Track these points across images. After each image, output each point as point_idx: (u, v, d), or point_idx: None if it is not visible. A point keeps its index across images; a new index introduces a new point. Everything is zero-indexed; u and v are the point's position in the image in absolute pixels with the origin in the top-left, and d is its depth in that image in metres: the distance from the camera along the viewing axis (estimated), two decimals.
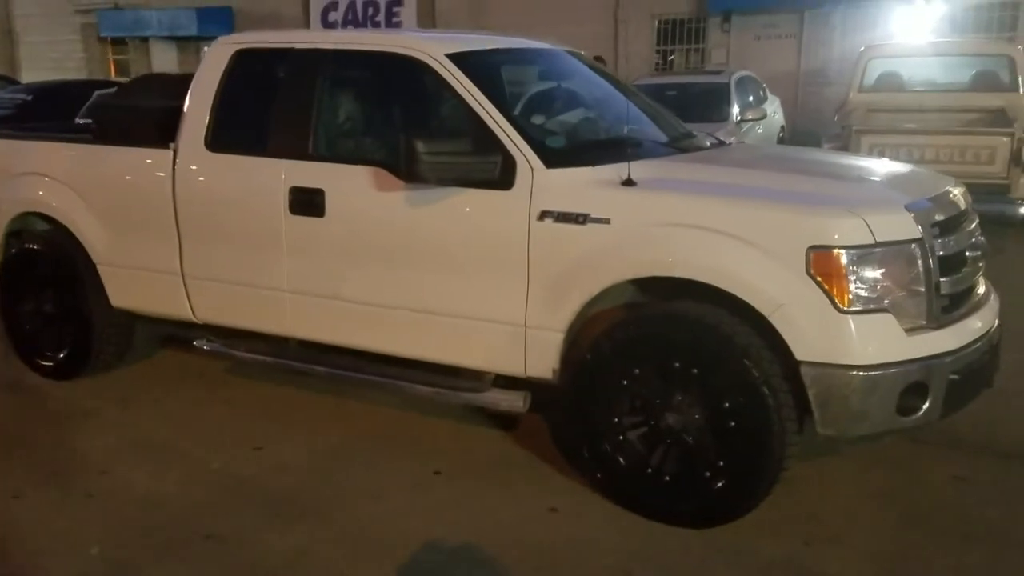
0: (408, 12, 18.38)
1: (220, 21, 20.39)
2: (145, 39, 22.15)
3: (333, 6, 19.08)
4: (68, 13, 23.58)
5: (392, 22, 18.30)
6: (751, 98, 10.60)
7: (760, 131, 10.12)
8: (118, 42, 23.16)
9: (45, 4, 24.29)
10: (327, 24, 18.97)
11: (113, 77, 20.72)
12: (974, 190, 7.29)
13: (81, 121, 10.06)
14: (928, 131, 7.65)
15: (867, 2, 14.13)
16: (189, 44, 21.61)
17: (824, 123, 10.48)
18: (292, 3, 19.60)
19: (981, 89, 8.75)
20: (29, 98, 14.08)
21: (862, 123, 8.01)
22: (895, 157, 6.20)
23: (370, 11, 18.69)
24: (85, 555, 3.06)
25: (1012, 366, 3.71)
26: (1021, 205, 7.23)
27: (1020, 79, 8.71)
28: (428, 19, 18.13)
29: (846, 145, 7.59)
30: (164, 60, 21.84)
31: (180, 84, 5.27)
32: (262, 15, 19.68)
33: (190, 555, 3.06)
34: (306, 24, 19.13)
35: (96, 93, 12.50)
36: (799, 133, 11.91)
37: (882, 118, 8.40)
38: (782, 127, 12.04)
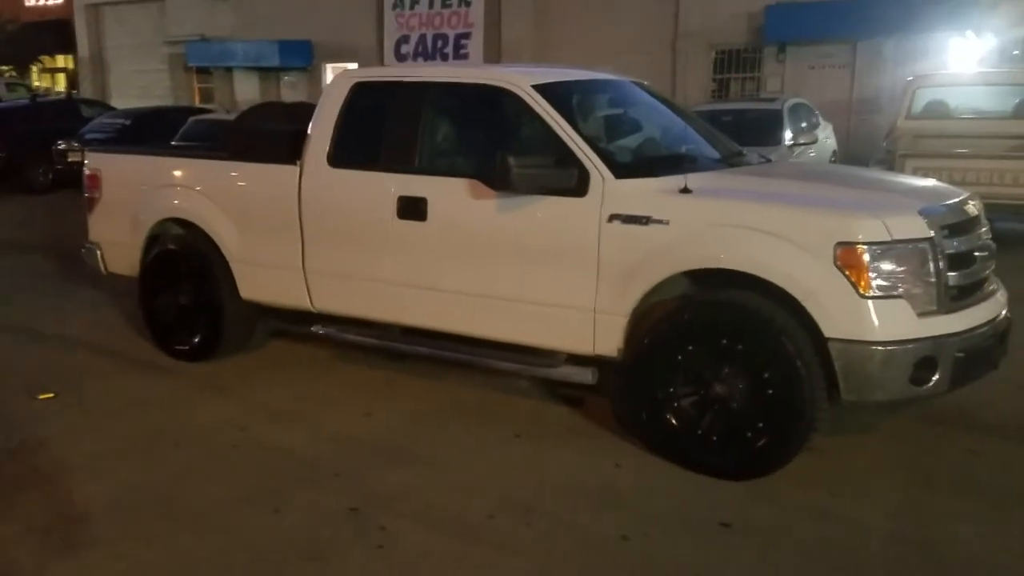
0: (475, 44, 19.33)
1: (300, 53, 21.66)
2: (229, 69, 23.56)
3: (405, 39, 20.17)
4: (157, 44, 25.23)
5: (460, 53, 19.27)
6: (804, 124, 11.10)
7: (812, 155, 10.60)
8: (203, 71, 24.68)
9: (136, 35, 26.03)
10: (400, 56, 20.06)
11: (198, 104, 22.07)
12: (1013, 211, 7.76)
13: (176, 143, 11.12)
14: (969, 155, 8.13)
15: (918, 34, 14.55)
16: (270, 74, 22.93)
17: (874, 149, 10.96)
18: (367, 36, 20.74)
19: None
20: (128, 122, 15.36)
21: (906, 148, 8.53)
22: (938, 180, 6.68)
23: (439, 43, 19.72)
24: (242, 489, 3.81)
25: None
26: None
27: None
28: (494, 51, 19.05)
29: (891, 168, 8.11)
30: (247, 89, 23.17)
31: (291, 110, 6.16)
32: (339, 47, 20.88)
33: (324, 486, 3.79)
34: (380, 56, 20.24)
35: (191, 119, 13.66)
36: (851, 158, 12.34)
37: (927, 144, 8.88)
38: (834, 152, 12.49)
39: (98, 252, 6.03)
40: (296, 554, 3.26)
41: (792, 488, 3.71)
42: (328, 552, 3.26)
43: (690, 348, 3.86)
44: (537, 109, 4.27)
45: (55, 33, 29.75)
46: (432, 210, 4.46)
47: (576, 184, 4.06)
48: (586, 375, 4.24)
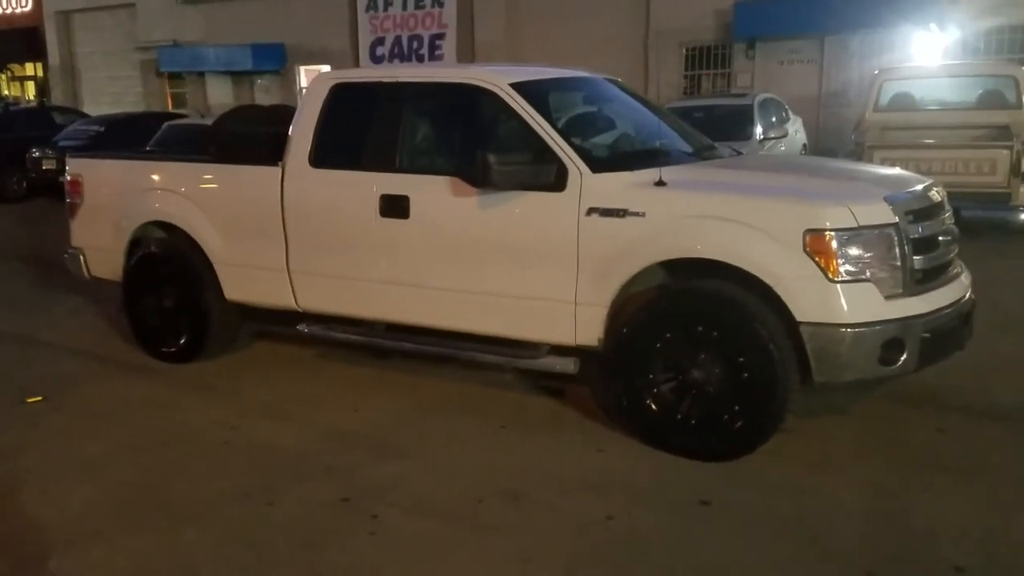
0: (449, 45, 19.43)
1: (273, 56, 21.63)
2: (201, 74, 23.48)
3: (380, 41, 20.22)
4: (128, 50, 25.07)
5: (435, 55, 19.36)
6: (774, 118, 11.31)
7: (783, 148, 10.80)
8: (175, 76, 24.56)
9: (106, 42, 25.88)
10: (375, 58, 20.12)
11: (171, 109, 21.97)
12: (978, 199, 8.01)
13: (150, 148, 11.12)
14: (934, 145, 8.37)
15: (883, 28, 14.84)
16: (243, 78, 22.88)
17: (844, 141, 11.19)
18: (341, 38, 20.76)
19: (987, 107, 9.42)
20: (102, 129, 15.32)
21: (874, 140, 8.75)
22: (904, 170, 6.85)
23: (415, 45, 19.79)
24: (236, 484, 3.89)
25: (1004, 351, 4.39)
26: (1022, 211, 7.89)
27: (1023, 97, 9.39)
28: (468, 51, 19.15)
29: (859, 159, 8.31)
30: (219, 93, 23.10)
31: (270, 112, 6.22)
32: (312, 50, 20.89)
33: (316, 479, 3.88)
34: (355, 58, 20.28)
35: (165, 124, 13.64)
36: (821, 151, 12.62)
37: (894, 135, 9.11)
38: (804, 145, 12.72)
39: (81, 257, 6.06)
40: (292, 543, 3.34)
41: (769, 467, 3.85)
42: (323, 540, 3.35)
43: (668, 336, 3.98)
44: (515, 107, 4.38)
45: (24, 41, 29.38)
46: (414, 208, 4.56)
47: (554, 179, 4.17)
48: (568, 365, 4.36)
